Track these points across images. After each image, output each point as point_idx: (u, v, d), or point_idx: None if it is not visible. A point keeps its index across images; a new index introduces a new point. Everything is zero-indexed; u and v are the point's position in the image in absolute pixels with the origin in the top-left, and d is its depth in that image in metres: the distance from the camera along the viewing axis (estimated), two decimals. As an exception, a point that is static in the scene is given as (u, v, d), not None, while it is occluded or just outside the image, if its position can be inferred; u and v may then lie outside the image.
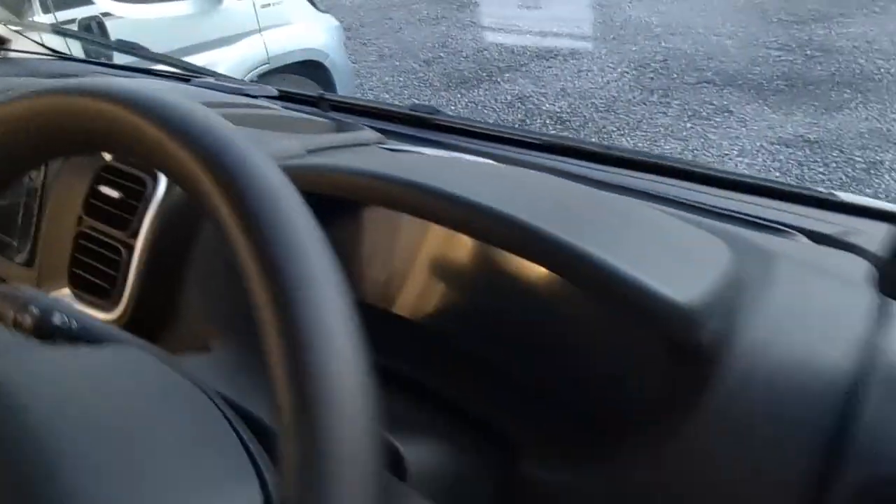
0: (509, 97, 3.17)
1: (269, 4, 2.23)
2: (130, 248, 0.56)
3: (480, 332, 0.47)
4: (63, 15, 1.80)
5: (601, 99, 3.03)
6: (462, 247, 0.47)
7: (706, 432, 0.36)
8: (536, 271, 0.44)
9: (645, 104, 2.91)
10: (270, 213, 0.23)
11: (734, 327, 0.38)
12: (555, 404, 0.43)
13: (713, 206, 0.55)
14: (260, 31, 2.17)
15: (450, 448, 0.42)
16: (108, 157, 0.60)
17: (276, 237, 0.23)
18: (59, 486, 0.23)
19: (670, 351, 0.39)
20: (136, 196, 0.56)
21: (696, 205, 0.55)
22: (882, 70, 3.00)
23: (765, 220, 0.53)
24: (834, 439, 0.33)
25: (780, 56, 3.26)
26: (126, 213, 0.56)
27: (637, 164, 0.62)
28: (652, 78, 3.19)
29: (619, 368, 0.42)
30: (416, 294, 0.49)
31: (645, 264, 0.39)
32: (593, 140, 2.61)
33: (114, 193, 0.57)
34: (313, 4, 2.41)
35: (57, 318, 0.33)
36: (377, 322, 0.29)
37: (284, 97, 0.81)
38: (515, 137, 0.69)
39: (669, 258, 0.42)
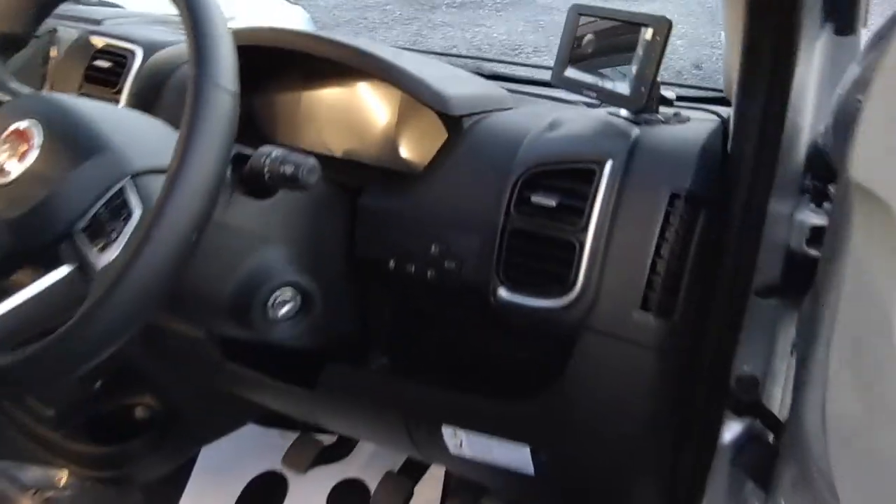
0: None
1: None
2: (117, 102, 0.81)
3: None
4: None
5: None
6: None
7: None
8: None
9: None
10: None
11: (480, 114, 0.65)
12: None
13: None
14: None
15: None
16: (98, 43, 0.85)
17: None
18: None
19: (442, 119, 0.66)
20: (122, 66, 0.81)
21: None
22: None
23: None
24: None
25: None
26: (114, 78, 0.81)
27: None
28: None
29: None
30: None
31: (439, 82, 0.65)
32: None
33: (105, 64, 0.82)
34: (283, -4, 2.65)
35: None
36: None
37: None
38: None
39: (461, 85, 0.68)
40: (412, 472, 1.08)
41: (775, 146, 0.54)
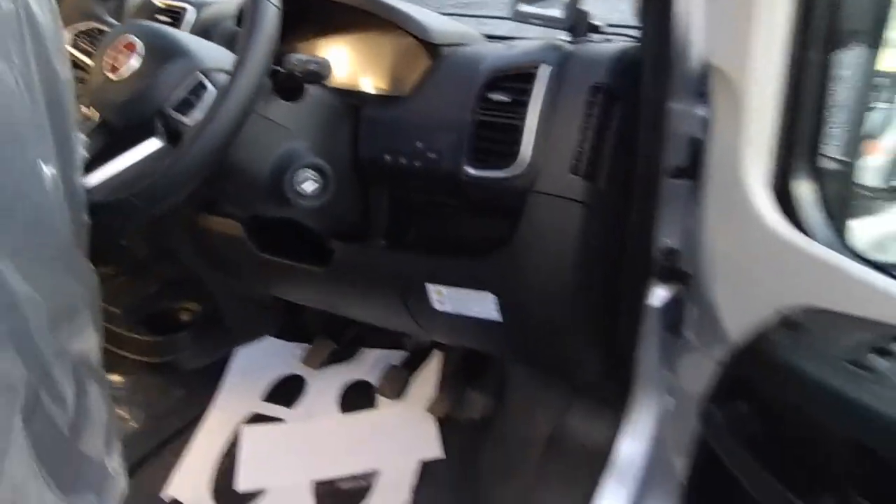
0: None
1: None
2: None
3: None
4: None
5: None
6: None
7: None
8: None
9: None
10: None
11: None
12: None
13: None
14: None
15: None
16: (158, 2, 1.06)
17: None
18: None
19: (425, 48, 0.85)
20: (178, 20, 1.03)
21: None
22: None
23: None
24: None
25: None
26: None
27: None
28: None
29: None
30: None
31: (426, 18, 0.85)
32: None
33: (165, 19, 1.04)
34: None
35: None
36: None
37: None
38: None
39: (443, 24, 0.89)
40: (410, 366, 1.29)
41: (668, 53, 0.74)
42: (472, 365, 1.25)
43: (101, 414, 0.64)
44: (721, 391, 0.65)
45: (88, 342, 0.62)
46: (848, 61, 0.66)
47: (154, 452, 1.20)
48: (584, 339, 0.89)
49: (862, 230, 0.67)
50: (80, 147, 0.63)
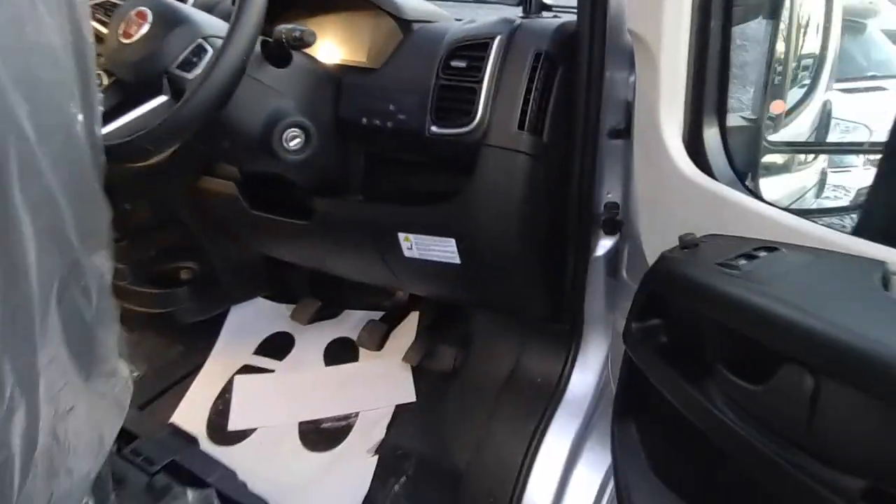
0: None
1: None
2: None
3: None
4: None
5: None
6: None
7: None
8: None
9: None
10: None
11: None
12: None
13: None
14: None
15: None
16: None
17: None
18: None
19: (398, 23, 0.98)
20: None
21: None
22: None
23: None
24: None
25: None
26: None
27: None
28: None
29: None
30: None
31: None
32: None
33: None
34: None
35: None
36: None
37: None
38: None
39: (416, 3, 1.01)
40: (389, 321, 1.41)
41: (601, 25, 0.86)
42: (444, 319, 1.37)
43: (114, 322, 0.76)
44: (636, 308, 0.77)
45: (105, 261, 0.74)
46: (749, 31, 0.78)
47: (156, 397, 1.32)
48: (533, 280, 1.01)
49: (760, 174, 0.79)
50: (99, 101, 0.75)
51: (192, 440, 1.19)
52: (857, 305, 0.51)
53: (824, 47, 0.98)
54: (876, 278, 0.53)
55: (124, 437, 1.06)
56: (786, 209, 0.73)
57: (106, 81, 0.92)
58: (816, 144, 0.90)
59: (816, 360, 0.49)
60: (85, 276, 0.64)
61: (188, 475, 1.02)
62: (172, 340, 1.45)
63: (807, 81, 1.01)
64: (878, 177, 0.66)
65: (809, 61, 0.89)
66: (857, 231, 0.64)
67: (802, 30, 0.85)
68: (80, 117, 0.65)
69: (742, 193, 0.76)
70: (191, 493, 0.90)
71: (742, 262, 0.63)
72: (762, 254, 0.63)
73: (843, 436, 0.48)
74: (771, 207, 0.72)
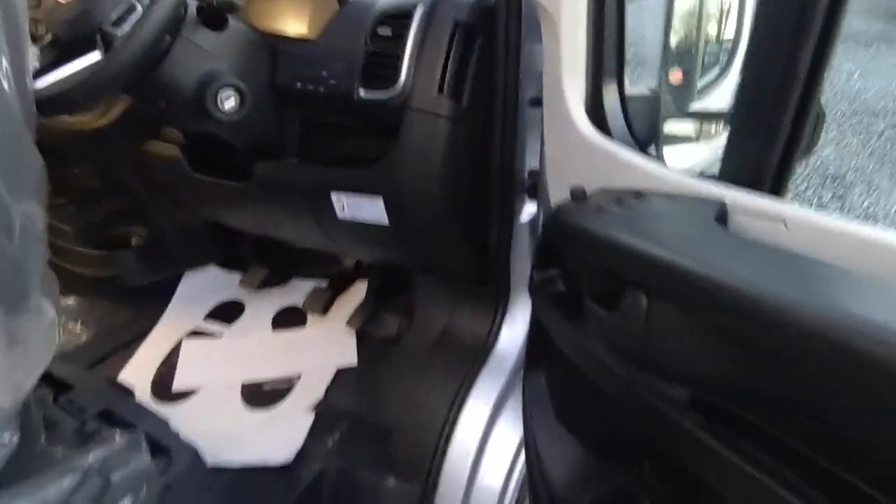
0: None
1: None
2: None
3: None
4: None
5: None
6: None
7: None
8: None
9: None
10: None
11: None
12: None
13: None
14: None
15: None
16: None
17: None
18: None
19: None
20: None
21: None
22: None
23: None
24: None
25: None
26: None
27: None
28: None
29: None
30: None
31: None
32: None
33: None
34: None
35: None
36: None
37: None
38: None
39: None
40: (335, 287, 1.45)
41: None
42: (390, 287, 1.42)
43: (40, 263, 0.80)
44: (535, 259, 0.82)
45: (36, 209, 0.78)
46: (643, 4, 0.84)
47: (104, 357, 1.36)
48: (457, 242, 1.06)
49: (667, 141, 0.85)
50: (32, 56, 0.79)
51: (128, 392, 1.23)
52: (690, 235, 0.57)
53: (739, 25, 1.04)
54: (713, 214, 0.59)
55: (64, 390, 1.10)
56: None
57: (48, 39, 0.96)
58: (708, 113, 0.97)
59: (649, 282, 0.54)
60: (9, 216, 0.68)
61: (122, 423, 1.05)
62: (124, 305, 1.48)
63: (725, 56, 1.07)
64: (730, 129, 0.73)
65: (713, 34, 0.95)
66: (719, 177, 0.70)
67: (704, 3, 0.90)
68: (8, 68, 0.69)
69: (633, 152, 0.82)
70: (119, 436, 0.93)
71: (614, 207, 0.69)
72: (632, 201, 0.68)
73: (670, 351, 0.54)
74: (655, 162, 0.78)
